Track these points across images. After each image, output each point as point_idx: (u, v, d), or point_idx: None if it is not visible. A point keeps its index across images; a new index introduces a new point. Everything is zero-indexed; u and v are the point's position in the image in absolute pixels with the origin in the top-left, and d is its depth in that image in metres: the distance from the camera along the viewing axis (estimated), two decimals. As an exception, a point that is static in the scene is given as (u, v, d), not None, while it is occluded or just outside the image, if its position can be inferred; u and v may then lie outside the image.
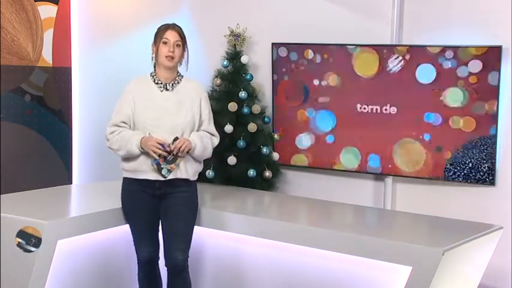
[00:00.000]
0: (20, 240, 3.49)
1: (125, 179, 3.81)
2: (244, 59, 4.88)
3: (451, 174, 4.36)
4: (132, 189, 3.77)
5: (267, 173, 4.78)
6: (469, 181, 4.30)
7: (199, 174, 3.89)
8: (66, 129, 5.75)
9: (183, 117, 3.73)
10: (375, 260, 3.45)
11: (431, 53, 4.31)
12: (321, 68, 4.72)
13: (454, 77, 4.27)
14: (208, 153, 3.84)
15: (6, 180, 5.16)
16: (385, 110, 4.51)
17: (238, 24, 4.90)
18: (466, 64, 4.21)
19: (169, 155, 3.64)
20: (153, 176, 3.69)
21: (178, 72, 3.85)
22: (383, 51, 4.47)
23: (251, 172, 4.72)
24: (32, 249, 3.47)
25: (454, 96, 4.28)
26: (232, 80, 4.88)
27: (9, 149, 5.27)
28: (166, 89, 3.78)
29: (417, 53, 4.36)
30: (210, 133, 3.84)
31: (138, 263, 3.83)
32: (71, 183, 5.77)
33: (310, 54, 4.75)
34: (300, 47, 4.79)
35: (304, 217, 4.27)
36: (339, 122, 4.69)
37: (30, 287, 3.48)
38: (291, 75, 4.85)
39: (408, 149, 4.48)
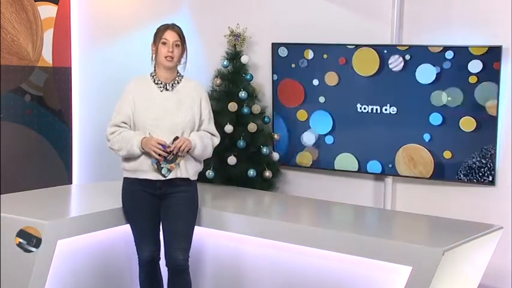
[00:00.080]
0: (20, 240, 3.49)
1: (125, 178, 3.81)
2: (244, 59, 4.88)
3: (451, 174, 4.36)
4: (133, 189, 3.77)
5: (267, 173, 4.78)
6: (469, 181, 4.30)
7: (200, 174, 3.89)
8: (66, 129, 5.75)
9: (183, 117, 3.73)
10: (375, 260, 3.45)
11: (431, 53, 4.31)
12: (320, 68, 4.72)
13: (454, 77, 4.27)
14: (209, 153, 3.84)
15: (6, 180, 5.16)
16: (385, 110, 4.51)
17: (238, 24, 4.89)
18: (466, 64, 4.20)
19: (169, 155, 3.65)
20: (154, 175, 3.69)
21: (178, 72, 3.85)
22: (383, 51, 4.47)
23: (251, 172, 4.72)
24: (32, 249, 3.46)
25: (454, 96, 4.27)
26: (232, 80, 4.88)
27: (9, 149, 5.27)
28: (166, 89, 3.78)
29: (417, 53, 4.36)
30: (211, 133, 3.84)
31: (139, 263, 3.83)
32: (71, 183, 5.77)
33: (310, 54, 4.75)
34: (300, 47, 4.79)
35: (305, 217, 4.27)
36: (339, 122, 4.69)
37: (30, 287, 3.48)
38: (291, 75, 4.84)
39: (408, 149, 4.47)
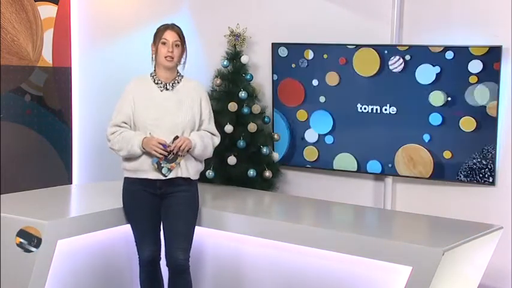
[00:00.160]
0: (21, 240, 3.49)
1: (125, 178, 3.82)
2: (244, 59, 4.88)
3: (451, 174, 4.36)
4: (133, 188, 3.78)
5: (267, 173, 4.78)
6: (469, 181, 4.30)
7: (200, 174, 3.89)
8: (66, 129, 5.75)
9: (183, 117, 3.73)
10: (375, 260, 3.45)
11: (431, 53, 4.31)
12: (320, 68, 4.72)
13: (454, 77, 4.26)
14: (209, 152, 3.84)
15: (6, 180, 5.16)
16: (385, 110, 4.51)
17: (238, 24, 4.89)
18: (466, 64, 4.20)
19: (169, 154, 3.65)
20: (154, 175, 3.69)
21: (178, 72, 3.85)
22: (383, 51, 4.47)
23: (251, 172, 4.72)
24: (32, 249, 3.46)
25: (453, 97, 4.27)
26: (232, 80, 4.88)
27: (9, 149, 5.27)
28: (166, 89, 3.79)
29: (417, 53, 4.36)
30: (211, 132, 3.84)
31: (139, 263, 3.83)
32: (71, 183, 5.77)
33: (310, 54, 4.74)
34: (300, 47, 4.79)
35: (304, 217, 4.27)
36: (339, 122, 4.69)
37: (30, 287, 3.48)
38: (291, 75, 4.84)
39: (408, 149, 4.47)
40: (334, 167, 4.74)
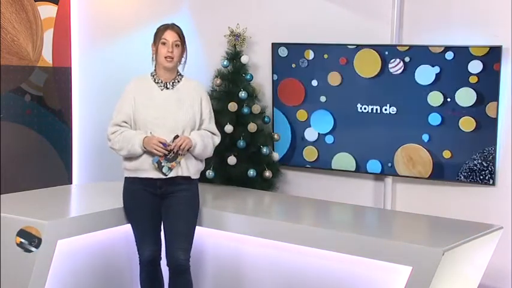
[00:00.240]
0: (22, 240, 3.48)
1: (126, 178, 3.82)
2: (244, 59, 4.88)
3: (450, 174, 4.36)
4: (134, 188, 3.78)
5: (267, 173, 4.78)
6: (469, 181, 4.30)
7: (200, 174, 3.89)
8: (66, 129, 5.75)
9: (183, 116, 3.73)
10: (375, 260, 3.45)
11: (431, 53, 4.31)
12: (321, 68, 4.72)
13: (454, 77, 4.26)
14: (209, 151, 3.84)
15: (6, 180, 5.16)
16: (385, 110, 4.51)
17: (238, 24, 4.89)
18: (466, 64, 4.20)
19: (169, 153, 3.65)
20: (155, 174, 3.70)
21: (178, 71, 3.85)
22: (383, 51, 4.47)
23: (251, 172, 4.72)
24: (32, 249, 3.46)
25: (453, 97, 4.27)
26: (232, 80, 4.88)
27: (9, 149, 5.27)
28: (167, 88, 3.79)
29: (417, 53, 4.36)
30: (211, 132, 3.85)
31: (140, 263, 3.83)
32: (71, 183, 5.77)
33: (310, 54, 4.75)
34: (300, 47, 4.79)
35: (304, 217, 4.27)
36: (339, 122, 4.69)
37: (30, 287, 3.48)
38: (291, 75, 4.84)
39: (408, 149, 4.47)
40: (333, 167, 4.74)
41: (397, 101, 4.47)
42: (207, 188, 4.54)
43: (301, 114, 4.83)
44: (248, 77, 4.89)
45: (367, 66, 4.54)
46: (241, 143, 4.74)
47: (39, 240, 3.46)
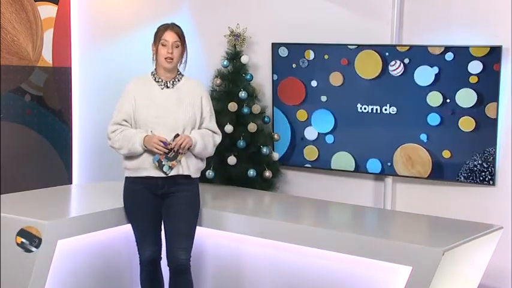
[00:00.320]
0: (23, 240, 3.48)
1: (127, 178, 3.81)
2: (244, 59, 4.88)
3: (450, 174, 4.36)
4: (134, 188, 3.78)
5: (267, 173, 4.78)
6: (469, 181, 4.30)
7: (200, 174, 3.89)
8: (66, 129, 5.75)
9: (184, 114, 3.73)
10: (375, 260, 3.45)
11: (431, 53, 4.31)
12: (321, 68, 4.72)
13: (454, 77, 4.27)
14: (210, 150, 3.84)
15: (6, 180, 5.16)
16: (385, 110, 4.52)
17: (238, 24, 4.89)
18: (466, 64, 4.20)
19: (170, 152, 3.65)
20: (155, 172, 3.70)
21: (178, 71, 3.85)
22: (384, 52, 4.47)
23: (251, 172, 4.72)
24: (32, 249, 3.46)
25: (452, 97, 4.27)
26: (232, 80, 4.88)
27: (9, 149, 5.27)
28: (167, 87, 3.79)
29: (418, 53, 4.36)
30: (212, 130, 3.84)
31: (140, 263, 3.83)
32: (71, 183, 5.77)
33: (310, 54, 4.75)
34: (300, 47, 4.79)
35: (305, 217, 4.27)
36: (339, 122, 4.69)
37: (30, 287, 3.48)
38: (291, 75, 4.84)
39: (407, 149, 4.47)
40: (332, 167, 4.74)
41: (397, 101, 4.47)
42: (207, 188, 4.54)
43: (301, 114, 4.83)
44: (248, 77, 4.89)
45: (368, 67, 4.54)
46: (241, 143, 4.74)
47: (40, 240, 3.46)
